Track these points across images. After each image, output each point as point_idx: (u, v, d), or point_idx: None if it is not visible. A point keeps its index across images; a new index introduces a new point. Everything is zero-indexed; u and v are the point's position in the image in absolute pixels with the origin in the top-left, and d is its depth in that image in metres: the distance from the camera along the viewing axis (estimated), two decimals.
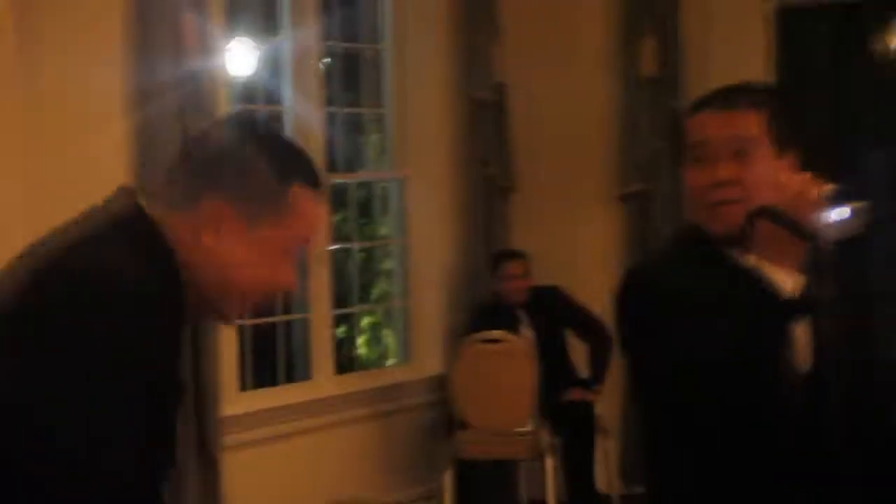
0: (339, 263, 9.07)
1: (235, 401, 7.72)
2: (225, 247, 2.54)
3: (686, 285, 3.36)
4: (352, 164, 9.55)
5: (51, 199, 6.73)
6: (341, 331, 9.88)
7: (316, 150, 7.89)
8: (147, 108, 7.31)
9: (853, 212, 3.01)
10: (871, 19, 9.17)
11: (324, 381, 8.48)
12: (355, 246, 9.29)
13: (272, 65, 8.45)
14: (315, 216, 2.64)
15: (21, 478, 2.30)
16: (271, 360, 8.50)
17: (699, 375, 3.28)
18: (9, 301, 2.39)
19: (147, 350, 2.35)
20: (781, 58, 9.02)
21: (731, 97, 3.35)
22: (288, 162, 2.59)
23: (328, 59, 9.00)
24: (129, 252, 2.44)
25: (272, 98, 8.39)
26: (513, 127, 9.08)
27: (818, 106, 8.96)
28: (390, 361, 9.77)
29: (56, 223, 2.75)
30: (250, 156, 2.55)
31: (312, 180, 2.56)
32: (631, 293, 3.52)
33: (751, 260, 2.95)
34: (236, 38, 8.13)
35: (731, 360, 3.20)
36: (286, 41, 8.23)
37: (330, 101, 8.63)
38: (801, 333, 3.04)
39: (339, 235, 9.14)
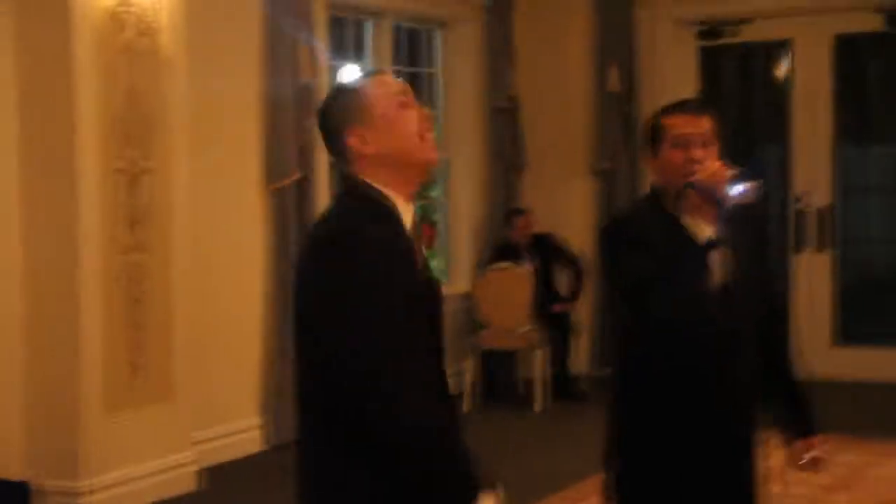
0: None
1: None
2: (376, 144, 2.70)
3: (641, 231, 3.85)
4: None
5: (211, 177, 7.42)
6: None
7: None
8: (274, 112, 7.93)
9: (748, 188, 3.43)
10: (764, 56, 10.39)
11: None
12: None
13: None
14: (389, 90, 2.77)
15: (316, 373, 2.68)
16: None
17: (646, 286, 3.81)
18: (299, 259, 2.81)
19: (386, 276, 2.57)
20: (704, 81, 10.22)
21: (698, 106, 3.93)
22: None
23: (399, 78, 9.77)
24: (354, 211, 2.71)
25: None
26: (522, 125, 10.06)
27: (727, 115, 9.82)
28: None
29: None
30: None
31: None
32: (606, 236, 4.17)
33: (684, 216, 3.44)
34: (336, 61, 8.79)
35: (664, 277, 3.70)
36: (369, 63, 9.09)
37: None
38: (715, 261, 3.52)
39: None
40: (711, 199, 3.36)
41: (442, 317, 2.79)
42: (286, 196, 7.94)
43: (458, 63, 9.84)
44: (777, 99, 10.17)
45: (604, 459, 4.04)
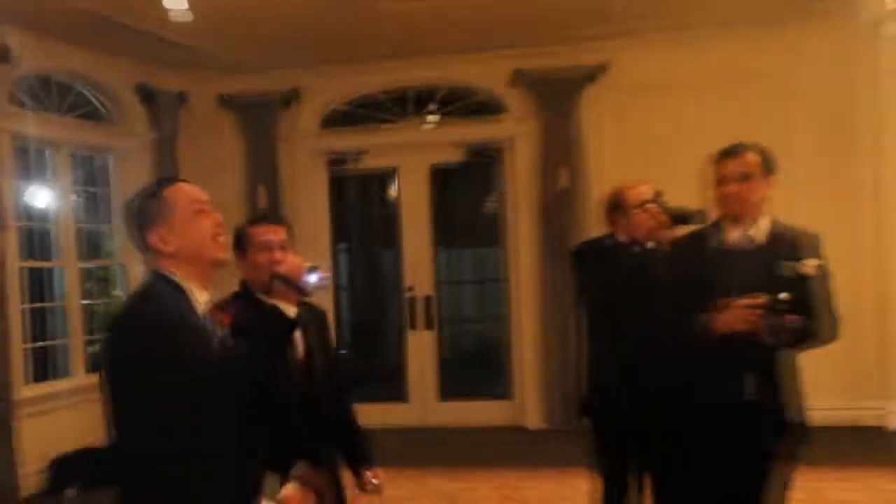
0: None
1: None
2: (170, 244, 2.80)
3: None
4: None
5: None
6: None
7: None
8: None
9: (323, 276, 3.48)
10: (379, 180, 10.58)
11: None
12: None
13: None
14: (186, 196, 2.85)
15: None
16: None
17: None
18: (107, 331, 2.81)
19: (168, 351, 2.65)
20: (333, 199, 10.31)
21: (277, 218, 4.18)
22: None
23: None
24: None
25: None
26: None
27: (353, 225, 10.10)
28: None
29: None
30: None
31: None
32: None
33: (273, 301, 3.37)
34: (22, 182, 8.25)
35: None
36: (51, 184, 8.71)
37: None
38: (297, 337, 3.64)
39: None
40: (293, 286, 3.42)
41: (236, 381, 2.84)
42: None
43: (130, 185, 9.21)
44: (390, 213, 10.34)
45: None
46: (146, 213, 2.82)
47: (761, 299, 3.88)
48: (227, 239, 2.93)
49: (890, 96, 8.72)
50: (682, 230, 4.47)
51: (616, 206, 4.86)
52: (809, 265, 4.02)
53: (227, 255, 2.95)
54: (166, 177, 3.15)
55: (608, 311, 4.90)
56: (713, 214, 4.26)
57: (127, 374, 2.68)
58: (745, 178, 4.12)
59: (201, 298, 2.81)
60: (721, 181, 4.17)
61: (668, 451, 4.50)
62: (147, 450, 2.64)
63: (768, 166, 4.17)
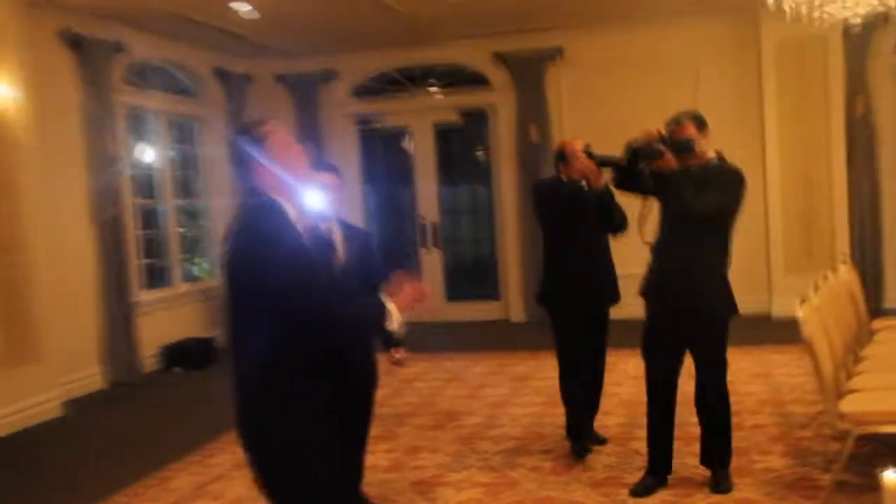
0: None
1: None
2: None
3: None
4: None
5: (56, 215, 7.60)
6: None
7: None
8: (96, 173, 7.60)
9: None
10: (396, 137, 10.26)
11: None
12: None
13: None
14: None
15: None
16: None
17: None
18: (227, 244, 2.63)
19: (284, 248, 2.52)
20: (362, 152, 10.36)
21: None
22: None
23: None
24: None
25: None
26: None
27: (378, 172, 10.20)
28: None
29: None
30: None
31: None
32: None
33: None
34: (133, 142, 8.58)
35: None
36: (153, 143, 8.84)
37: None
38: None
39: None
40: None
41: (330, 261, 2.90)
42: (105, 226, 7.74)
43: (211, 144, 9.47)
44: (406, 162, 10.43)
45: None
46: (249, 143, 2.66)
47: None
48: (307, 169, 2.76)
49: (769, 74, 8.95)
50: (607, 172, 4.59)
51: (560, 157, 4.98)
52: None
53: (307, 181, 2.77)
54: (261, 118, 2.77)
55: (555, 229, 5.08)
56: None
57: (239, 273, 2.61)
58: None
59: (294, 214, 2.65)
60: None
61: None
62: (246, 331, 2.60)
63: (702, 125, 4.24)
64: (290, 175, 2.65)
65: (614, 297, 5.08)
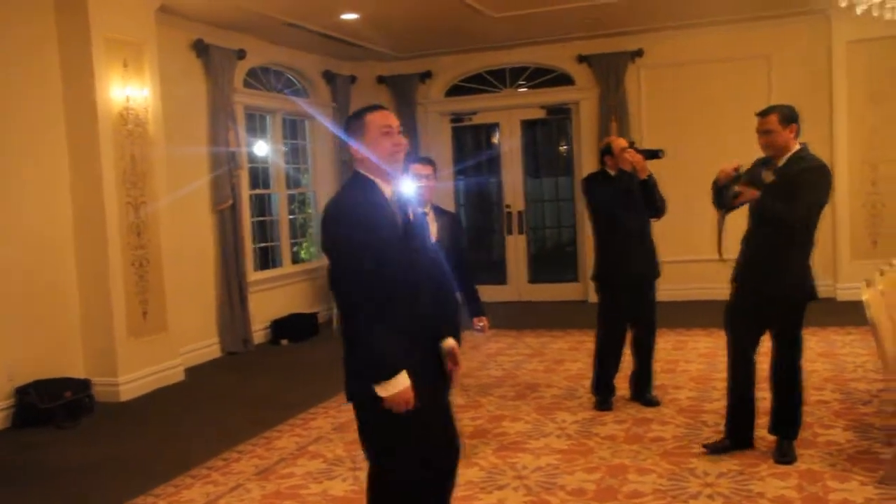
0: None
1: None
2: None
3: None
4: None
5: (181, 203, 7.63)
6: None
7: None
8: (216, 166, 7.70)
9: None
10: (486, 131, 10.30)
11: None
12: None
13: None
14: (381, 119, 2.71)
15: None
16: None
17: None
18: (323, 215, 2.67)
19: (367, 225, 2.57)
20: (455, 145, 10.26)
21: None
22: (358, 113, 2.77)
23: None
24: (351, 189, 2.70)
25: None
26: None
27: (468, 164, 10.16)
28: None
29: None
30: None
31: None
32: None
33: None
34: (250, 138, 8.53)
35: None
36: (269, 139, 8.94)
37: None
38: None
39: None
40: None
41: (418, 242, 2.72)
42: (224, 213, 7.89)
43: (320, 139, 9.72)
44: (494, 154, 10.40)
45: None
46: (351, 129, 2.74)
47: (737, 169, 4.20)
48: (401, 154, 2.76)
49: (838, 71, 8.69)
50: (651, 162, 4.99)
51: (607, 151, 5.21)
52: (766, 176, 4.12)
53: (399, 165, 2.78)
54: (372, 105, 2.80)
55: (608, 215, 5.25)
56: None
57: (336, 242, 2.64)
58: (765, 133, 4.16)
59: (387, 191, 2.71)
60: (758, 133, 4.22)
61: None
62: (349, 305, 2.61)
63: (787, 120, 4.12)
64: (383, 159, 2.69)
65: (656, 272, 5.33)
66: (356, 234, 2.59)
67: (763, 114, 4.18)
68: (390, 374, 2.60)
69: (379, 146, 2.69)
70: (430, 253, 2.85)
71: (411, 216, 2.77)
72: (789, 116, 4.16)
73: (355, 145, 2.71)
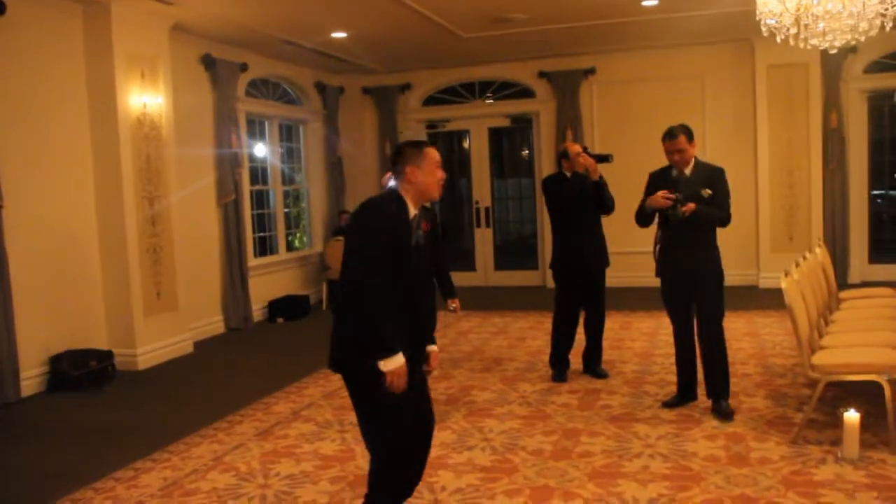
0: None
1: None
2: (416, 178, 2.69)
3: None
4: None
5: (190, 198, 7.42)
6: None
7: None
8: (220, 165, 7.52)
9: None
10: (458, 138, 10.04)
11: None
12: None
13: None
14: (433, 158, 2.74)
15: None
16: None
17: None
18: (351, 215, 2.79)
19: (386, 228, 2.61)
20: None
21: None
22: (412, 146, 2.77)
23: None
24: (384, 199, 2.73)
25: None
26: (343, 171, 9.66)
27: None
28: None
29: None
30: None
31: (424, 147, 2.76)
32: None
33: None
34: (250, 140, 8.39)
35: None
36: (267, 142, 8.81)
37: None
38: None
39: None
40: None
41: (419, 265, 2.71)
42: (227, 206, 7.79)
43: (312, 142, 9.59)
44: (465, 158, 10.26)
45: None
46: (408, 155, 2.75)
47: (673, 195, 4.19)
48: (442, 187, 2.82)
49: (760, 90, 8.73)
50: (602, 165, 4.95)
51: (564, 156, 5.15)
52: (705, 192, 4.24)
53: (439, 196, 2.83)
54: (427, 140, 2.87)
55: (564, 212, 5.21)
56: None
57: (356, 237, 2.69)
58: (679, 151, 4.27)
59: (413, 211, 2.75)
60: (667, 153, 4.32)
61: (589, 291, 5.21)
62: (356, 286, 2.63)
63: (690, 137, 4.28)
64: (430, 187, 2.75)
65: (606, 262, 5.27)
66: (378, 223, 2.63)
67: (671, 136, 4.24)
68: (393, 351, 2.63)
69: (431, 176, 2.75)
70: (422, 276, 2.83)
71: (421, 242, 2.80)
72: (690, 133, 4.30)
73: (409, 168, 2.73)
